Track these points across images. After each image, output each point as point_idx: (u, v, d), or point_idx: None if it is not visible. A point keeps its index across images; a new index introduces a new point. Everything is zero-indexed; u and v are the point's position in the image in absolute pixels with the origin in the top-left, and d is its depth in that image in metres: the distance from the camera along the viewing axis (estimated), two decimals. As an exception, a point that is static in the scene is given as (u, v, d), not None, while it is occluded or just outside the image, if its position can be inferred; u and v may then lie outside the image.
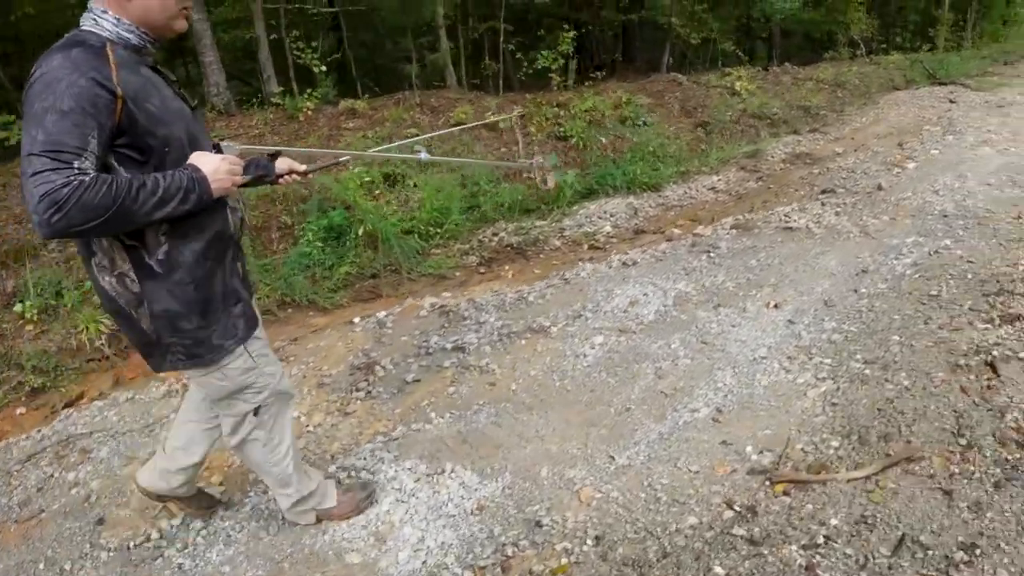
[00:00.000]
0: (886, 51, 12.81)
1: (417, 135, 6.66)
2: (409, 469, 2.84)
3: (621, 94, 8.55)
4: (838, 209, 5.71)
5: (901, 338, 3.57)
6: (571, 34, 8.37)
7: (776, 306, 4.07)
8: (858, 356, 3.45)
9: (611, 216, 6.33)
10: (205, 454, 2.24)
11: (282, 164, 2.00)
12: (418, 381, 3.60)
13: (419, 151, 2.88)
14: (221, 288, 1.74)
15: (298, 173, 2.04)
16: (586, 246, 5.69)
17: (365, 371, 3.73)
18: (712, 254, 4.96)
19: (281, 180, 1.99)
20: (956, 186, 6.11)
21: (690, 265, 4.82)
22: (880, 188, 6.22)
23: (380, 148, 4.98)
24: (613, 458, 2.84)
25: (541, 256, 5.57)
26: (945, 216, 5.39)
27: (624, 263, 4.99)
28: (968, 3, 14.92)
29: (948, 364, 3.27)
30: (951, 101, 10.01)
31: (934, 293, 4.06)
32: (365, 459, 2.93)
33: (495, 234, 5.87)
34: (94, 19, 1.52)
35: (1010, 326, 3.58)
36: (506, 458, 2.90)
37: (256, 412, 1.92)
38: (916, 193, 6.00)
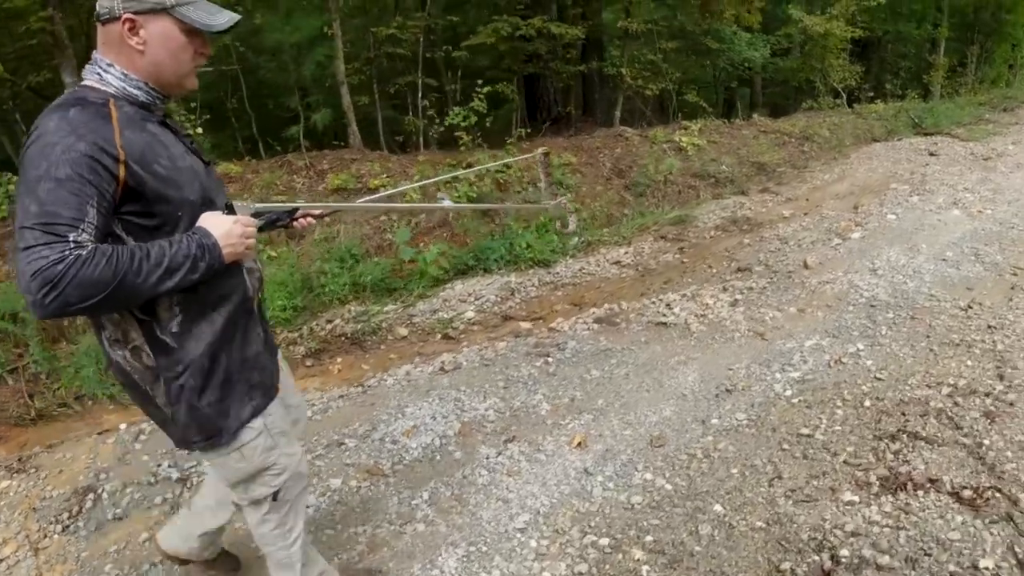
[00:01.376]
0: (873, 100, 11.74)
1: (287, 201, 5.79)
2: None
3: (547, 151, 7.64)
4: (739, 296, 4.60)
5: (725, 509, 2.47)
6: (485, 90, 7.56)
7: (581, 444, 2.98)
8: (648, 538, 2.35)
9: (477, 299, 5.32)
10: (231, 516, 2.05)
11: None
12: (120, 519, 2.85)
13: (442, 199, 2.73)
14: (239, 357, 1.61)
15: (313, 216, 2.03)
16: (439, 336, 4.69)
17: (81, 496, 3.04)
18: (551, 359, 3.90)
19: (296, 223, 1.95)
20: (901, 263, 4.97)
21: (516, 374, 3.76)
22: (806, 266, 5.10)
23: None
24: None
25: (381, 348, 4.59)
26: (872, 306, 4.25)
27: (443, 367, 3.96)
28: (968, 47, 13.84)
29: (767, 569, 2.14)
30: (931, 154, 8.86)
31: (806, 432, 2.94)
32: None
33: (329, 321, 4.89)
34: (98, 73, 1.42)
35: (890, 499, 2.43)
36: None
37: (275, 497, 1.75)
38: (848, 272, 4.87)
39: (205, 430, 1.58)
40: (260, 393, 1.67)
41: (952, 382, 3.25)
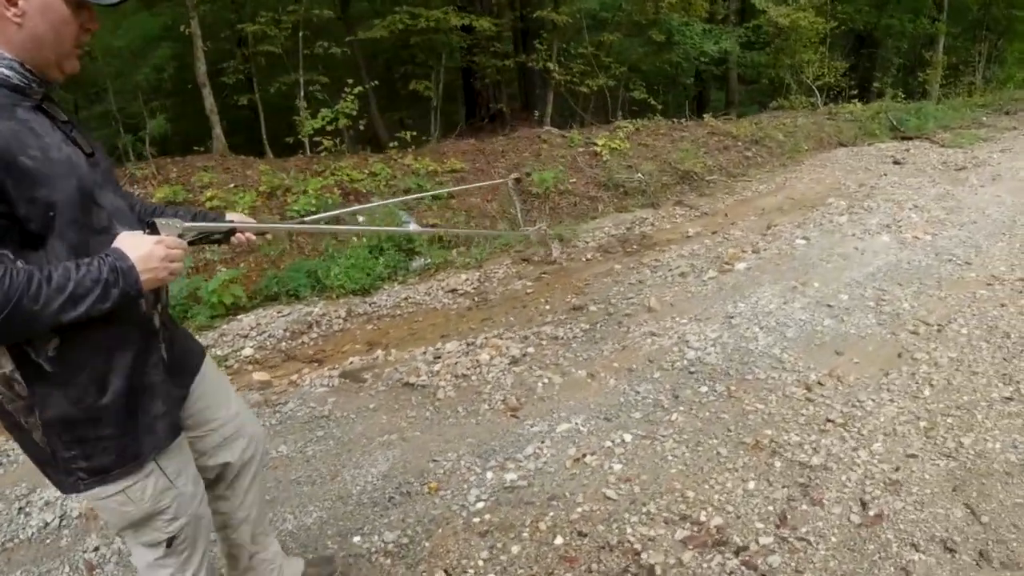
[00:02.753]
0: (854, 99, 10.38)
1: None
2: None
3: (432, 159, 6.65)
4: (531, 349, 3.52)
5: None
6: (356, 90, 6.55)
7: None
8: None
9: (262, 334, 4.33)
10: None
11: (233, 218, 1.67)
12: None
13: (407, 222, 2.04)
14: (133, 384, 1.34)
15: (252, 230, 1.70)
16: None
17: None
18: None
19: (234, 238, 1.66)
20: (770, 308, 3.81)
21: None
22: (649, 309, 3.97)
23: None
24: None
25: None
26: (690, 372, 3.15)
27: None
28: (975, 45, 12.34)
29: None
30: (896, 162, 7.57)
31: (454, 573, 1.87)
32: None
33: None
34: None
35: None
36: None
37: (169, 544, 1.45)
38: (694, 320, 3.74)
39: (91, 467, 1.33)
40: (164, 427, 1.41)
41: (697, 518, 2.13)
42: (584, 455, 2.54)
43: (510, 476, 2.47)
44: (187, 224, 1.37)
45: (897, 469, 2.31)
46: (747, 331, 3.54)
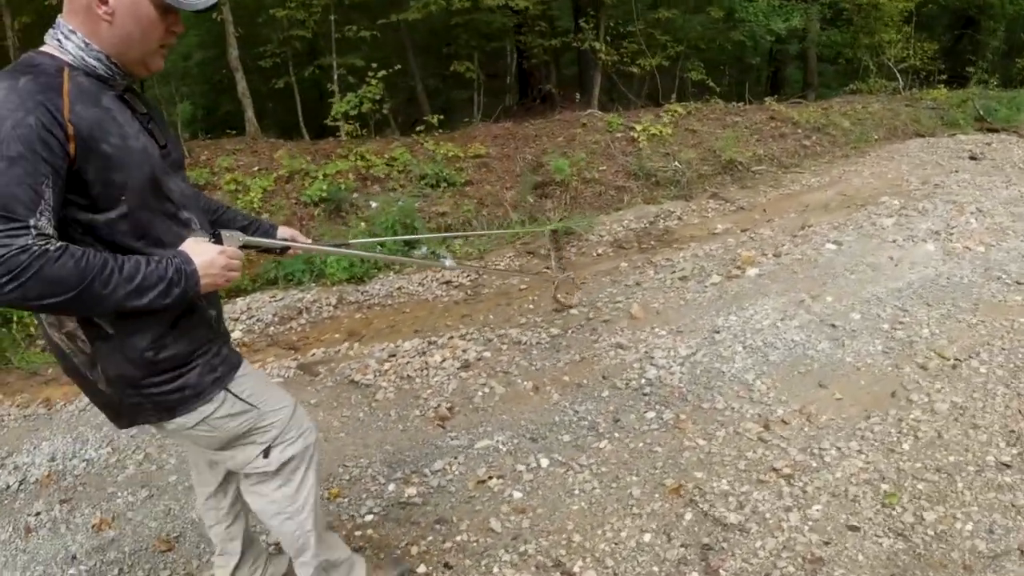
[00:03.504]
0: (942, 84, 9.33)
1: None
2: None
3: (457, 144, 6.51)
4: (489, 352, 3.35)
5: None
6: (380, 74, 6.45)
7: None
8: None
9: (251, 318, 4.38)
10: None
11: (284, 232, 1.78)
12: None
13: (444, 258, 2.29)
14: (185, 346, 1.43)
15: (303, 250, 1.82)
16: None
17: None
18: None
19: (291, 252, 1.80)
20: (764, 325, 3.46)
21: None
22: (631, 315, 3.70)
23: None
24: None
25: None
26: (644, 394, 2.90)
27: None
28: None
29: None
30: (972, 157, 6.73)
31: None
32: None
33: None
34: (58, 39, 1.28)
35: None
36: None
37: (266, 454, 1.57)
38: (675, 332, 3.45)
39: (158, 406, 1.43)
40: (222, 366, 1.49)
41: (570, 569, 1.91)
42: (491, 477, 2.37)
43: (410, 491, 2.34)
44: (247, 238, 1.49)
45: (827, 543, 1.98)
46: (727, 350, 3.21)
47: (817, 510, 2.11)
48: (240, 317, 4.41)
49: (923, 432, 2.51)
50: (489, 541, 2.06)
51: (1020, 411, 2.64)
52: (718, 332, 3.40)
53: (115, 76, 1.32)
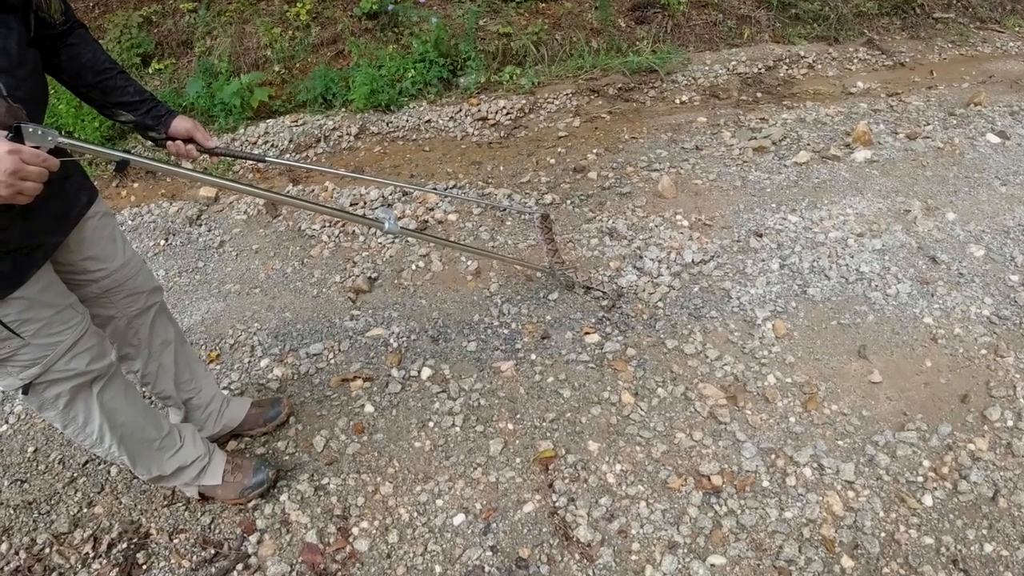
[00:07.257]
0: None
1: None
2: None
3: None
4: (456, 216, 2.73)
5: None
6: None
7: None
8: None
9: (267, 143, 4.02)
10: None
11: (180, 124, 1.47)
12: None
13: (384, 219, 1.69)
14: None
15: (202, 149, 1.49)
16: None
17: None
18: (169, 241, 2.79)
19: (170, 145, 1.45)
20: (831, 236, 2.55)
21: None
22: (657, 194, 2.84)
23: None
24: None
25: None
26: (602, 306, 2.18)
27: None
28: None
29: None
30: None
31: None
32: None
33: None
34: None
35: None
36: None
37: (25, 391, 1.40)
38: (698, 228, 2.61)
39: None
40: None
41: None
42: (357, 378, 1.90)
43: (276, 371, 1.99)
44: (62, 139, 1.10)
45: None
46: (755, 265, 2.34)
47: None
48: (257, 142, 4.00)
49: (978, 483, 1.63)
50: (302, 460, 1.67)
51: None
52: (760, 235, 2.50)
53: None
